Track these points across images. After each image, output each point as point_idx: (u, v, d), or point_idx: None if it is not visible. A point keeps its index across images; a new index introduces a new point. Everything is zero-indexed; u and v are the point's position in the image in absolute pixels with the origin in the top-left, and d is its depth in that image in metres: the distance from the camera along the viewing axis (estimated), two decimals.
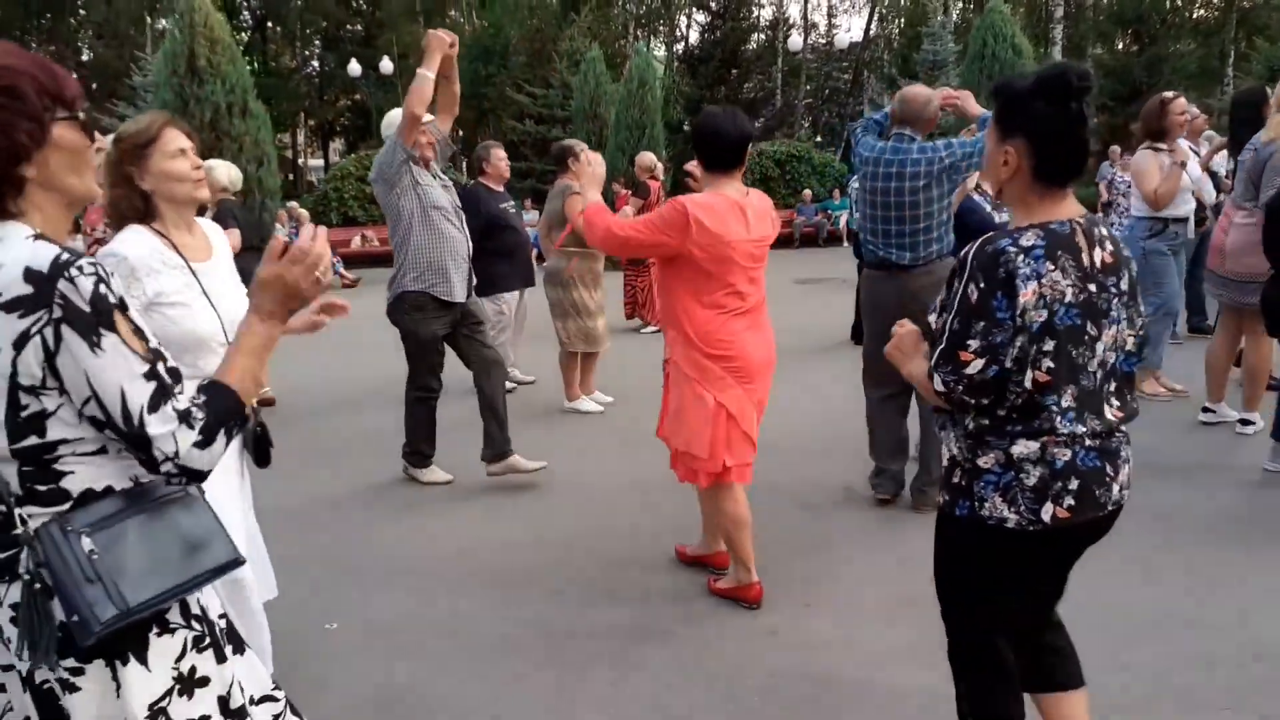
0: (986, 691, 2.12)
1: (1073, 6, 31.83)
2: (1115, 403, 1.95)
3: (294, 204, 16.55)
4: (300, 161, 35.91)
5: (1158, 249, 5.89)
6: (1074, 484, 1.89)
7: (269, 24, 33.54)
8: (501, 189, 6.55)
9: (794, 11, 36.11)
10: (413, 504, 4.72)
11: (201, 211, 2.61)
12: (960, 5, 34.26)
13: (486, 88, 27.41)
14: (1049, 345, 1.82)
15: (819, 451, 5.31)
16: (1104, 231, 1.92)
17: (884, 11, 36.73)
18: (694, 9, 31.53)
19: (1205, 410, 5.45)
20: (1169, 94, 5.91)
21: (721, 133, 3.23)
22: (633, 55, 18.50)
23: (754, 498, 4.53)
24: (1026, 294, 1.79)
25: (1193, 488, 4.51)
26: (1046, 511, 1.89)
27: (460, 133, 35.71)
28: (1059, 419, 1.86)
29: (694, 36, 31.33)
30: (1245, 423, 5.24)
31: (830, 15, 38.44)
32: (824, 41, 35.18)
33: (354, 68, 25.78)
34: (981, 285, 1.81)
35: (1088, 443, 1.89)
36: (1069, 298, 1.82)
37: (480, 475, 4.90)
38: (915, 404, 4.45)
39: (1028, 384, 1.84)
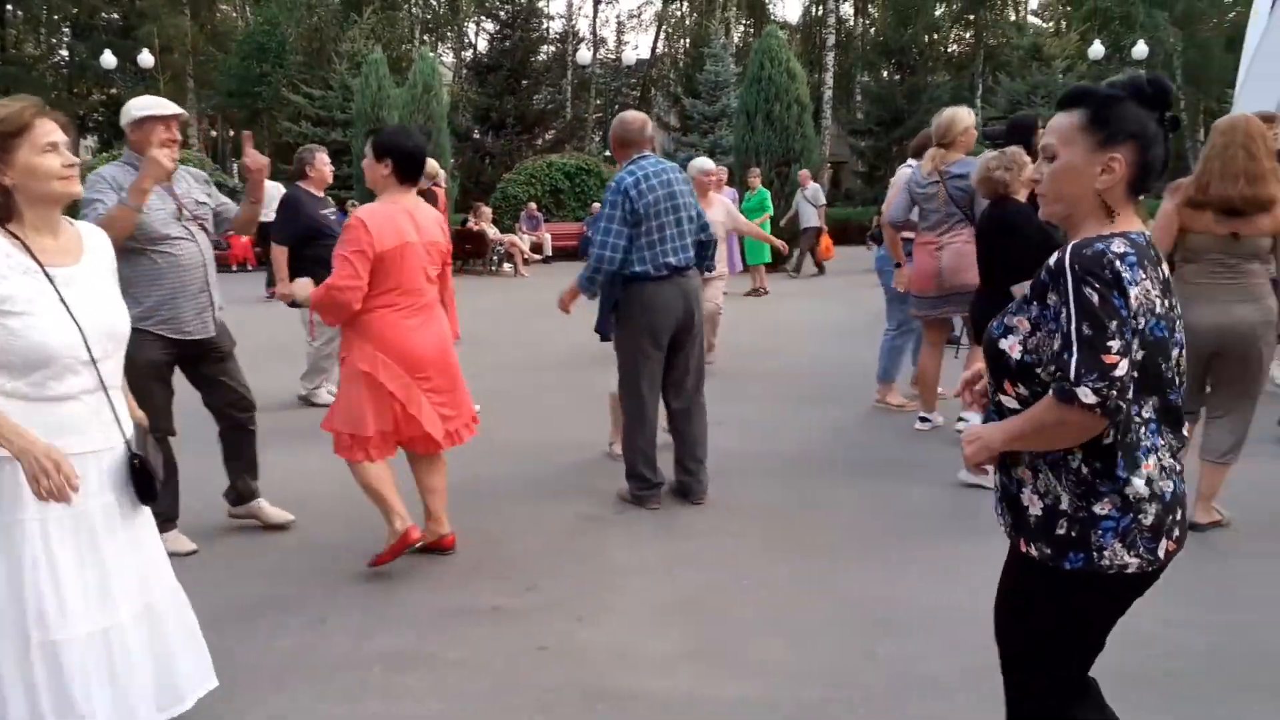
0: None
1: (843, 36, 34.01)
2: (1186, 420, 1.90)
3: None
4: None
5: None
6: (1178, 514, 1.83)
7: (9, 7, 30.40)
8: (323, 194, 6.30)
9: (584, 26, 36.43)
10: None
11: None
12: (741, 28, 35.86)
13: (260, 87, 26.04)
14: (1138, 355, 1.71)
15: (591, 462, 5.32)
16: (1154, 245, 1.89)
17: (670, 31, 37.88)
18: (483, 17, 31.26)
19: (922, 419, 5.92)
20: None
21: (418, 149, 3.77)
22: (417, 60, 18.06)
23: (530, 509, 4.50)
24: (1133, 296, 1.69)
25: (927, 485, 4.85)
26: (1162, 548, 1.81)
27: (231, 131, 33.80)
28: (1145, 431, 1.78)
29: (483, 45, 31.05)
30: (924, 420, 5.85)
31: (619, 31, 39.25)
32: (613, 57, 35.82)
33: (108, 59, 23.74)
34: (1098, 285, 1.67)
35: (1178, 468, 1.84)
36: (1158, 309, 1.74)
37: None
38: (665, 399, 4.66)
39: (1149, 413, 1.78)
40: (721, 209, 7.31)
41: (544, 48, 31.51)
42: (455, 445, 3.92)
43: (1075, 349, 1.68)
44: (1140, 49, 24.61)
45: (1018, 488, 1.87)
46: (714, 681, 2.99)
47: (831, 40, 31.49)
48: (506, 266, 18.07)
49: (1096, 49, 24.47)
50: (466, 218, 18.59)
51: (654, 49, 36.94)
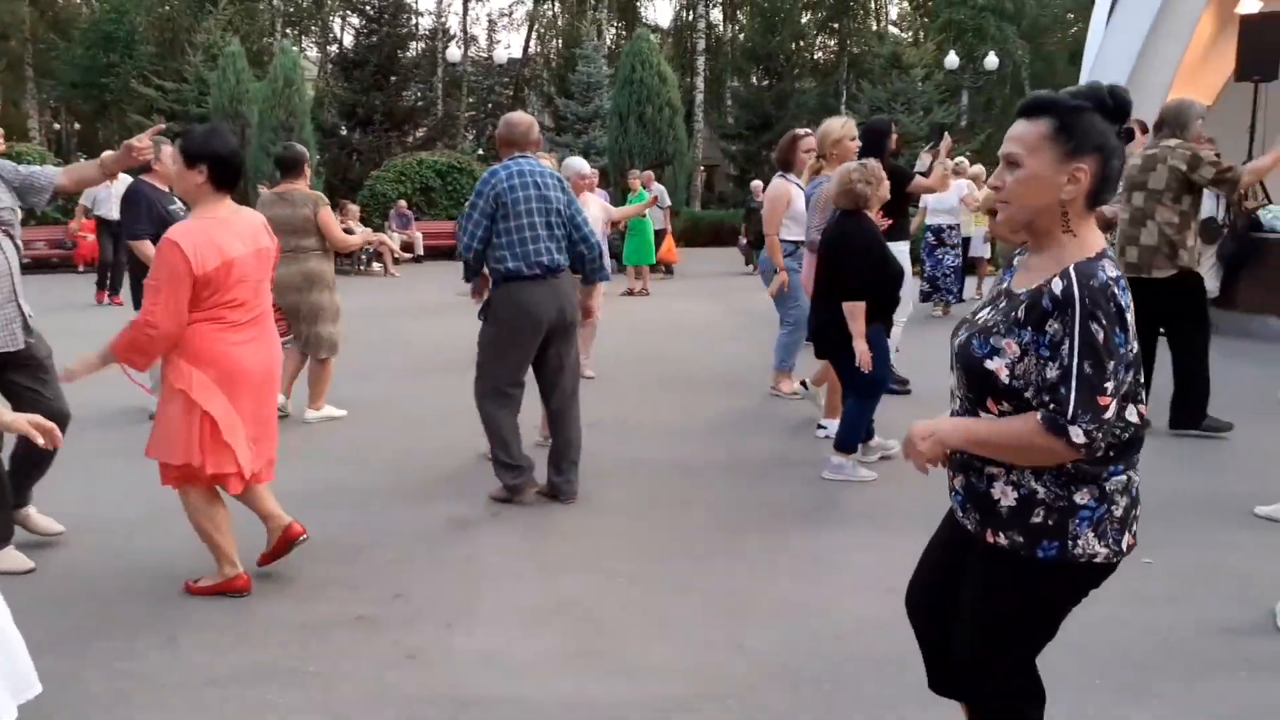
0: None
1: (713, 41, 34.55)
2: None
3: None
4: None
5: (791, 268, 6.46)
6: (1138, 510, 1.89)
7: None
8: (168, 189, 5.95)
9: (454, 23, 35.85)
10: None
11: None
12: (613, 30, 36.01)
13: (108, 78, 24.63)
14: (1129, 377, 1.76)
15: (462, 465, 5.24)
16: None
17: (542, 31, 37.71)
18: (348, 11, 30.40)
19: (820, 426, 6.01)
20: (801, 130, 6.57)
21: (234, 153, 3.45)
22: (278, 53, 17.43)
23: (398, 515, 4.39)
24: (1130, 326, 1.73)
25: (795, 482, 4.97)
26: (1124, 541, 1.85)
27: (76, 125, 31.85)
28: (1135, 435, 1.82)
29: (349, 40, 30.18)
30: (822, 428, 5.88)
31: (491, 30, 38.81)
32: (485, 55, 35.40)
33: None
34: (1104, 321, 1.68)
35: (1139, 466, 1.89)
36: (1133, 327, 1.78)
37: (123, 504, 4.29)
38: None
39: (1133, 418, 1.80)
40: (596, 206, 7.41)
41: (413, 44, 30.88)
42: (255, 485, 3.59)
43: (1075, 386, 1.69)
44: (992, 60, 25.96)
45: (987, 484, 1.88)
46: (585, 683, 2.98)
47: (702, 45, 31.97)
48: (376, 266, 17.63)
49: (952, 59, 25.62)
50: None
51: (526, 48, 36.71)
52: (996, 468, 1.86)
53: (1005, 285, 1.93)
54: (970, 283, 12.81)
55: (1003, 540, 1.86)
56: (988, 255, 12.81)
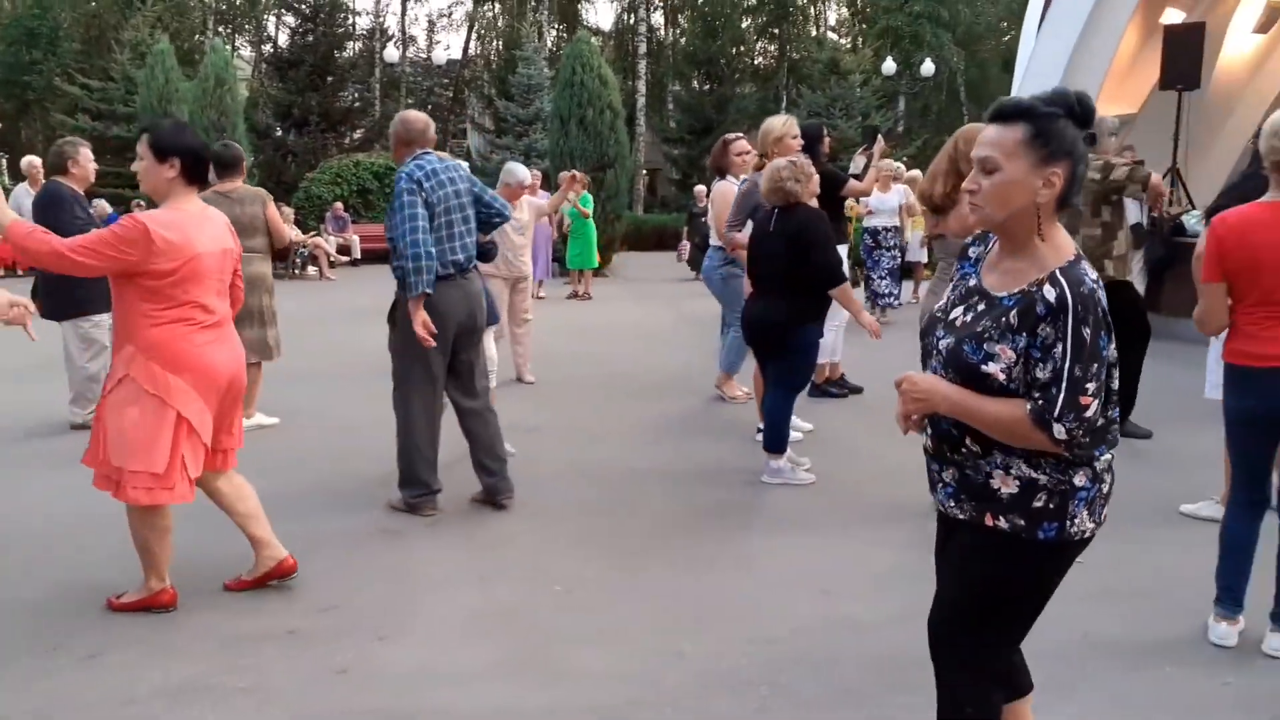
0: (995, 709, 2.09)
1: (654, 45, 34.68)
2: None
3: None
4: None
5: (735, 273, 6.43)
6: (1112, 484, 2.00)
7: None
8: (83, 192, 5.88)
9: (393, 23, 35.44)
10: None
11: None
12: (554, 32, 35.93)
13: (31, 75, 23.86)
14: (1103, 376, 1.85)
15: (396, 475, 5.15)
16: None
17: (482, 32, 37.46)
18: (283, 10, 29.89)
19: (760, 430, 6.04)
20: (730, 135, 6.59)
21: (204, 148, 3.42)
22: (209, 51, 17.04)
23: (330, 524, 4.29)
24: (1110, 328, 1.84)
25: (731, 485, 4.99)
26: (1103, 513, 1.98)
27: None
28: (1113, 419, 1.94)
29: (284, 39, 29.66)
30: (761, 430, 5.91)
31: (431, 30, 38.48)
32: (424, 56, 35.06)
33: None
34: (1090, 326, 1.78)
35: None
36: (1112, 328, 1.87)
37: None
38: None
39: (1113, 413, 1.92)
40: (528, 208, 7.34)
41: (350, 44, 30.47)
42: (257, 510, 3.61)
43: (1064, 388, 1.79)
44: (928, 66, 26.44)
45: (985, 477, 1.93)
46: (522, 692, 2.94)
47: (643, 49, 32.07)
48: (311, 269, 17.33)
49: (889, 65, 26.04)
50: None
51: (466, 49, 36.44)
52: (994, 467, 1.92)
53: (974, 283, 1.98)
54: (907, 287, 12.99)
55: (1003, 524, 1.92)
56: (925, 260, 13.01)
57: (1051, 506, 1.90)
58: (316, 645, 3.23)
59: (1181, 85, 10.24)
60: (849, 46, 32.97)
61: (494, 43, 37.31)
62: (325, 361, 8.52)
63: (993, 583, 1.98)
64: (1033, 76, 11.56)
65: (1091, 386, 1.79)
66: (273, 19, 32.45)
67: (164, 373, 3.21)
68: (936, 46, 29.64)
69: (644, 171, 30.39)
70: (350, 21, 31.41)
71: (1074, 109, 1.85)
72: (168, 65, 16.73)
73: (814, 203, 5.06)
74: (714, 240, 6.64)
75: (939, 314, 2.02)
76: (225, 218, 3.60)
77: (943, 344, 1.96)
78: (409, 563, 3.96)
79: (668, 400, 6.92)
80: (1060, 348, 1.78)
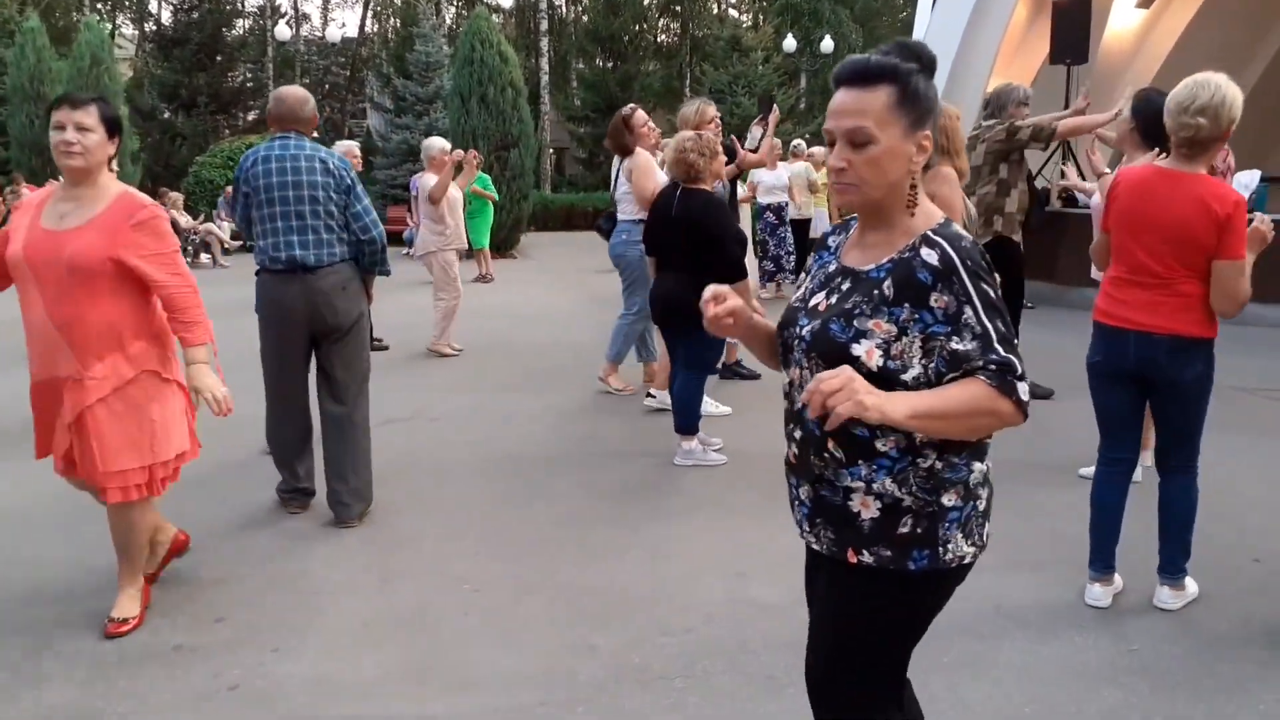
0: None
1: (556, 22, 34.22)
2: None
3: None
4: None
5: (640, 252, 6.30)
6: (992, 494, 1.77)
7: None
8: None
9: (285, 1, 34.18)
10: None
11: None
12: (454, 10, 35.14)
13: None
14: None
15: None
16: None
17: (378, 9, 36.42)
18: None
19: (649, 395, 6.07)
20: (627, 109, 6.43)
21: None
22: (83, 29, 16.12)
23: (219, 530, 4.04)
24: None
25: (642, 468, 4.91)
26: (986, 531, 1.73)
27: None
28: None
29: (167, 17, 28.30)
30: (651, 396, 6.10)
31: (326, 7, 37.24)
32: (319, 35, 33.92)
33: None
34: (986, 280, 1.61)
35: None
36: None
37: None
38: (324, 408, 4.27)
39: None
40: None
41: (239, 22, 29.28)
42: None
43: (1001, 347, 1.58)
44: (828, 43, 26.70)
45: (844, 496, 1.69)
46: (424, 700, 2.81)
47: (545, 26, 31.61)
48: (204, 257, 16.64)
49: (790, 43, 26.22)
50: None
51: (361, 27, 35.38)
52: (855, 479, 1.67)
53: (835, 265, 1.76)
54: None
55: (868, 559, 1.68)
56: None
57: (920, 532, 1.65)
58: (205, 661, 3.03)
59: (1070, 59, 10.52)
60: (750, 24, 33.08)
61: (391, 20, 36.31)
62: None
63: (867, 624, 1.75)
64: None
65: (1016, 341, 1.62)
66: None
67: (174, 357, 3.24)
68: (835, 23, 29.96)
69: (550, 150, 30.03)
70: None
71: (922, 58, 1.65)
72: (39, 44, 15.76)
73: (718, 186, 5.01)
74: (630, 214, 6.41)
75: (797, 303, 1.79)
76: None
77: (805, 330, 1.70)
78: (306, 568, 3.76)
79: (575, 383, 6.80)
80: (970, 310, 1.58)
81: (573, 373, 7.12)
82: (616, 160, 6.56)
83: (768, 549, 3.82)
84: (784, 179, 11.25)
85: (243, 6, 30.60)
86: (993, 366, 1.58)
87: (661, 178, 6.30)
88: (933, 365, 1.61)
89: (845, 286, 1.69)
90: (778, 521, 4.09)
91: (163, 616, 3.33)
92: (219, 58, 25.26)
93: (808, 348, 1.69)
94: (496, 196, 13.96)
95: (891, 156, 1.63)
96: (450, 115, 18.32)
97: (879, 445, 1.65)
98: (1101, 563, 3.34)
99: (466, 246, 7.95)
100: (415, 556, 3.87)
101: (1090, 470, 4.56)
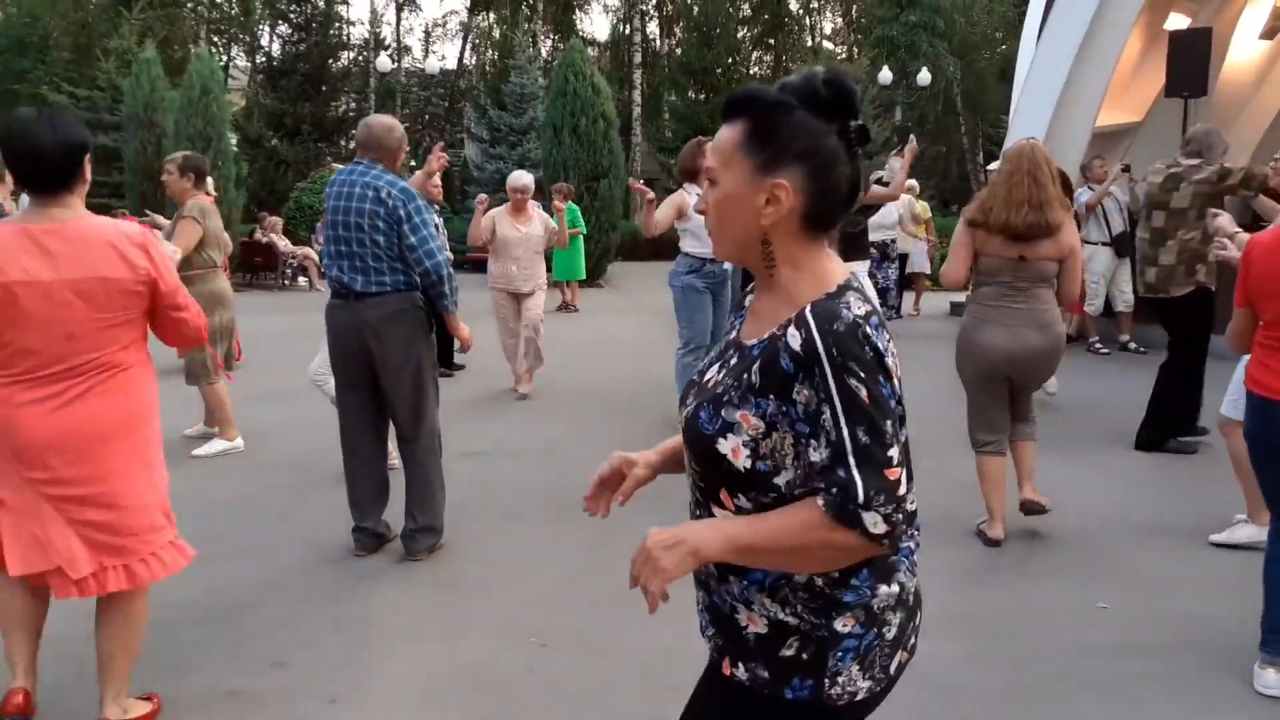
0: None
1: (650, 55, 34.50)
2: None
3: None
4: None
5: (694, 285, 6.09)
6: (918, 618, 1.46)
7: None
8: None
9: (388, 33, 35.25)
10: None
11: None
12: (550, 42, 35.75)
13: (21, 84, 23.59)
14: (902, 437, 1.36)
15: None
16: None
17: (477, 41, 37.27)
18: (277, 20, 29.67)
19: None
20: (703, 138, 6.29)
21: (31, 145, 2.49)
22: (194, 60, 16.78)
23: (283, 565, 3.92)
24: (893, 372, 1.33)
25: None
26: (895, 663, 1.42)
27: None
28: (906, 531, 1.38)
29: (278, 49, 29.44)
30: None
31: (427, 40, 38.28)
32: (419, 66, 34.84)
33: None
34: (862, 374, 1.28)
35: (917, 558, 1.46)
36: (898, 372, 1.36)
37: None
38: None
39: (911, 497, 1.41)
40: (540, 223, 7.52)
41: (344, 54, 30.25)
42: (108, 592, 2.60)
43: (854, 464, 1.28)
44: (924, 76, 26.21)
45: (731, 607, 1.46)
46: None
47: (638, 58, 31.85)
48: (301, 280, 17.03)
49: (885, 75, 25.82)
50: (254, 228, 17.46)
51: (461, 59, 36.21)
52: (733, 599, 1.44)
53: (735, 333, 1.51)
54: (908, 298, 12.74)
55: (741, 674, 1.43)
56: (927, 270, 12.73)
57: (805, 658, 1.38)
58: (260, 709, 2.91)
59: (1188, 92, 9.95)
60: (845, 56, 32.74)
61: (489, 52, 37.09)
62: (304, 379, 8.18)
63: None
64: (1033, 86, 11.27)
65: (895, 455, 1.29)
66: (267, 29, 32.18)
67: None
68: (933, 56, 29.42)
69: (641, 181, 30.12)
70: (345, 32, 31.18)
71: (817, 94, 1.35)
72: (153, 74, 16.46)
73: None
74: (687, 247, 6.20)
75: (696, 376, 1.53)
76: (112, 234, 2.57)
77: (685, 411, 1.46)
78: (371, 611, 3.62)
79: (657, 418, 6.60)
80: (828, 411, 1.28)
81: (653, 408, 6.91)
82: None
83: None
84: (894, 215, 10.97)
85: (348, 40, 31.62)
86: (834, 489, 1.29)
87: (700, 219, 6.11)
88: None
89: (733, 362, 1.44)
90: None
91: (219, 658, 3.22)
92: (323, 88, 26.09)
93: (684, 431, 1.47)
94: (583, 229, 13.95)
95: (729, 204, 1.39)
96: (542, 146, 18.49)
97: None
98: (1277, 644, 2.99)
99: (529, 288, 7.50)
100: (483, 603, 3.69)
101: (1223, 536, 4.19)
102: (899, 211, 11.24)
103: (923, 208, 12.97)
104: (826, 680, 1.37)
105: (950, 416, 5.09)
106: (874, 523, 1.28)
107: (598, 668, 3.18)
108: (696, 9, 32.61)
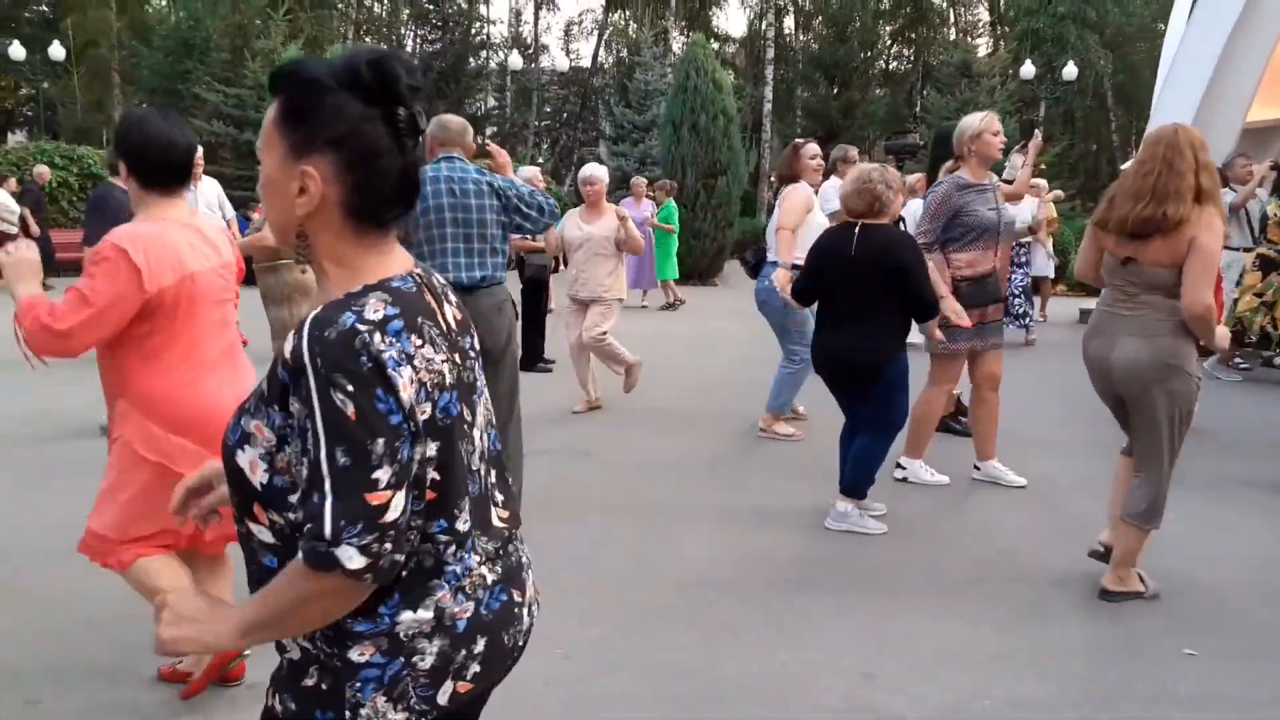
0: None
1: (783, 50, 34.02)
2: (500, 498, 1.47)
3: None
4: None
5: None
6: (480, 644, 1.36)
7: None
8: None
9: (526, 31, 35.98)
10: None
11: None
12: (683, 39, 35.70)
13: (184, 84, 25.17)
14: (433, 450, 1.26)
15: None
16: (441, 279, 1.42)
17: (610, 39, 37.58)
18: (419, 22, 30.75)
19: (899, 466, 5.29)
20: (800, 140, 6.12)
21: (166, 141, 2.62)
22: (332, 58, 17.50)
23: None
24: (404, 385, 1.21)
25: (788, 532, 4.46)
26: (445, 694, 1.33)
27: None
28: (452, 553, 1.32)
29: (411, 46, 30.48)
30: (901, 467, 5.28)
31: (567, 38, 38.87)
32: (553, 65, 35.43)
33: (16, 50, 22.75)
34: (351, 388, 1.17)
35: (489, 578, 1.38)
36: (449, 379, 1.28)
37: None
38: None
39: (463, 516, 1.35)
40: (605, 224, 6.69)
41: (484, 53, 31.06)
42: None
43: (329, 490, 1.16)
44: (1070, 70, 24.86)
45: None
46: None
47: (771, 54, 31.43)
48: None
49: (1028, 68, 24.64)
50: None
51: (595, 57, 36.58)
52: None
53: None
54: (1035, 303, 12.06)
55: (276, 705, 1.35)
56: (1052, 274, 12.04)
57: (324, 689, 1.30)
58: None
59: None
60: (990, 50, 31.43)
61: (621, 50, 37.36)
62: None
63: None
64: (1178, 77, 10.49)
65: (383, 476, 1.18)
66: (410, 30, 33.34)
67: (163, 433, 2.63)
68: (1081, 49, 27.84)
69: (772, 178, 29.72)
70: (485, 31, 31.97)
71: (359, 78, 1.24)
72: None
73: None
74: (772, 254, 5.98)
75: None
76: (221, 226, 2.98)
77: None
78: None
79: (735, 423, 6.42)
80: (313, 430, 1.18)
81: (733, 413, 6.73)
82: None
83: (906, 649, 3.31)
84: (1027, 216, 10.10)
85: (489, 39, 32.42)
86: (308, 525, 1.18)
87: (819, 219, 5.86)
88: None
89: (268, 369, 1.34)
90: (926, 614, 3.57)
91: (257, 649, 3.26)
92: (455, 85, 26.87)
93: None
94: (676, 228, 13.83)
95: (268, 188, 1.30)
96: (662, 143, 18.46)
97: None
98: None
99: (586, 295, 6.69)
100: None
101: None
102: (1030, 213, 10.42)
103: (1048, 208, 12.22)
104: (348, 712, 1.30)
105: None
106: (349, 558, 1.17)
107: (618, 682, 3.08)
108: (836, 3, 31.99)
